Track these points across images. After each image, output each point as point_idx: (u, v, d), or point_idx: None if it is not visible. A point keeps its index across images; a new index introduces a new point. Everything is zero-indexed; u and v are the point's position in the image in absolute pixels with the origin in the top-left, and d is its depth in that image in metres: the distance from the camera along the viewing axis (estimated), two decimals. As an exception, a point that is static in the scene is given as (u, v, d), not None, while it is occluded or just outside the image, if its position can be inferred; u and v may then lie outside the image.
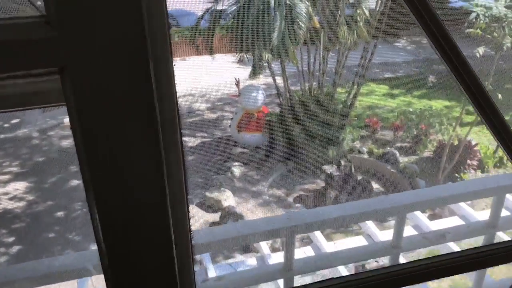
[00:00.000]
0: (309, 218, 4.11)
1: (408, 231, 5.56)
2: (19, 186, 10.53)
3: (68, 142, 12.50)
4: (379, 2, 10.78)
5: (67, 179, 10.75)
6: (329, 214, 4.10)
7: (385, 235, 6.35)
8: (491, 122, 1.29)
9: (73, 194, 10.16)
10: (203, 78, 16.88)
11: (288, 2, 10.16)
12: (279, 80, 11.99)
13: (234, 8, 11.23)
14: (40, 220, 9.40)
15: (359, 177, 10.46)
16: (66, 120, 13.63)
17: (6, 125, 13.58)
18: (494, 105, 1.28)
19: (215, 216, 9.42)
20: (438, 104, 12.10)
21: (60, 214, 9.60)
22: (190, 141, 12.41)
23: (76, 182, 10.66)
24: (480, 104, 1.27)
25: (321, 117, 11.27)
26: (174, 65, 0.72)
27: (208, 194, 9.85)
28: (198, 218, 9.41)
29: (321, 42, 11.05)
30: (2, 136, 12.86)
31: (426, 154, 10.80)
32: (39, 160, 11.68)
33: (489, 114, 1.29)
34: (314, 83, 11.71)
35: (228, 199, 9.72)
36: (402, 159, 10.80)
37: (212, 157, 11.64)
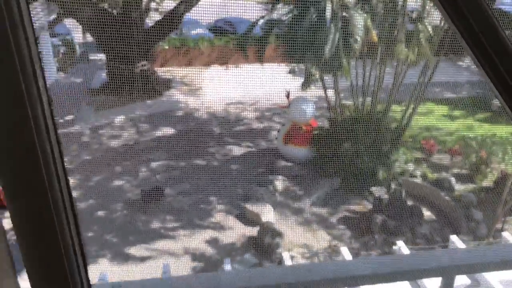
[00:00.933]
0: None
1: None
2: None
3: (117, 142, 12.70)
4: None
5: (111, 179, 10.86)
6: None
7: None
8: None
9: (115, 194, 10.24)
10: (254, 86, 16.71)
11: (344, 14, 9.74)
12: (330, 93, 11.56)
13: (288, 17, 10.94)
14: (80, 217, 9.51)
15: (409, 203, 9.79)
16: (117, 120, 13.87)
17: (60, 120, 14.04)
18: None
19: (253, 231, 9.12)
20: (502, 130, 11.17)
21: (100, 213, 9.66)
22: (236, 150, 12.22)
23: (119, 182, 10.75)
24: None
25: (373, 135, 10.71)
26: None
27: (247, 206, 9.58)
28: (236, 231, 9.14)
29: (378, 57, 10.52)
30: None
31: (486, 183, 9.96)
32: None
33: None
34: (367, 99, 11.17)
35: (268, 213, 9.39)
36: (458, 187, 10.02)
37: (256, 168, 11.36)
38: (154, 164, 11.53)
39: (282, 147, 11.53)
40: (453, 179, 10.09)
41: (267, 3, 12.45)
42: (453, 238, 7.80)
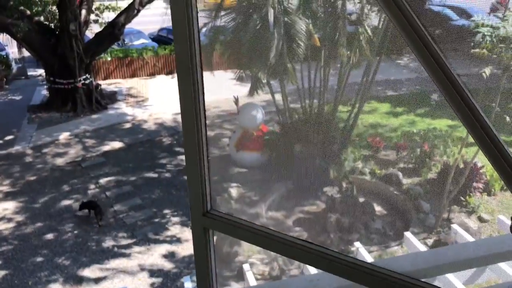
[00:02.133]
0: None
1: None
2: (8, 206, 10.19)
3: (62, 161, 12.19)
4: (382, 19, 10.52)
5: (59, 199, 10.41)
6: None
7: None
8: (484, 143, 1.24)
9: (64, 215, 9.82)
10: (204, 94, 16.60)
11: (286, 19, 9.91)
12: (278, 97, 11.70)
13: (232, 24, 10.98)
14: (28, 242, 9.03)
15: (361, 199, 10.07)
16: (62, 137, 13.33)
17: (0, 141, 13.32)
18: (488, 126, 1.23)
19: (211, 240, 9.03)
20: (442, 123, 11.76)
21: (49, 236, 9.23)
22: (187, 160, 12.08)
23: (67, 202, 10.32)
24: (473, 124, 1.25)
25: (322, 136, 10.94)
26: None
27: (203, 216, 9.47)
28: (190, 242, 9.01)
29: (322, 60, 10.77)
30: (-5, 153, 12.58)
31: (431, 176, 10.42)
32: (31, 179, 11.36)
33: (483, 135, 1.24)
34: (314, 101, 11.40)
35: (224, 222, 9.34)
36: (406, 181, 10.42)
37: (213, 175, 11.28)
38: (103, 180, 11.17)
39: (235, 154, 11.52)
40: (400, 174, 10.48)
41: (210, 10, 12.45)
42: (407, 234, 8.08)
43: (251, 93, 10.92)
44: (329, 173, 10.29)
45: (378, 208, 10.06)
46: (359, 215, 9.50)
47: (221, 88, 17.27)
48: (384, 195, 10.27)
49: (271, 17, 9.87)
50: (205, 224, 1.78)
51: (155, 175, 11.37)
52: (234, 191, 10.39)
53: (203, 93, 1.70)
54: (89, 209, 9.60)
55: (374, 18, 10.80)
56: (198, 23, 1.53)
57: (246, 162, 11.27)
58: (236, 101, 11.73)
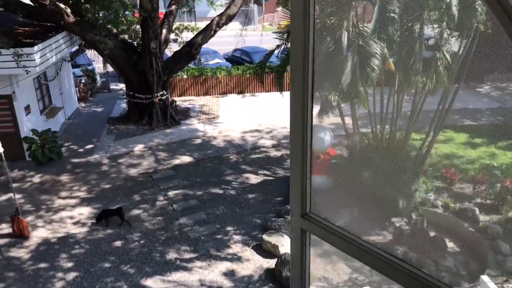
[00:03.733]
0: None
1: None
2: (84, 211, 10.80)
3: (135, 171, 12.77)
4: (463, 45, 10.02)
5: (129, 208, 10.87)
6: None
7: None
8: None
9: (133, 224, 10.22)
10: (271, 114, 16.76)
11: (361, 42, 9.74)
12: (348, 121, 11.47)
13: (306, 47, 10.98)
14: (98, 248, 9.49)
15: (432, 234, 9.49)
16: (136, 148, 13.98)
17: (81, 150, 14.24)
18: None
19: (271, 262, 8.94)
20: (527, 158, 10.88)
21: (118, 243, 9.63)
22: (253, 178, 12.16)
23: (137, 211, 10.74)
24: None
25: (392, 164, 10.53)
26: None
27: (265, 237, 9.42)
28: (254, 263, 8.97)
29: (396, 85, 10.44)
30: (76, 160, 13.45)
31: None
32: (106, 187, 11.99)
33: None
34: (386, 127, 11.04)
35: (286, 245, 9.22)
36: (483, 218, 9.69)
37: (273, 197, 11.25)
38: (171, 193, 11.53)
39: (300, 175, 11.40)
40: (476, 209, 9.78)
41: (283, 33, 12.59)
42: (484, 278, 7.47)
43: (321, 115, 10.81)
44: (398, 203, 9.84)
45: (450, 245, 9.42)
46: (429, 250, 8.95)
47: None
48: (458, 231, 9.62)
49: (345, 40, 9.78)
50: (303, 226, 1.84)
51: (221, 191, 11.55)
52: (297, 214, 10.24)
53: (312, 98, 1.85)
54: (106, 219, 10.13)
55: (453, 44, 10.32)
56: (314, 32, 1.72)
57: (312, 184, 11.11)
58: (305, 123, 11.65)
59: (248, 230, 10.04)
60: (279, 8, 35.38)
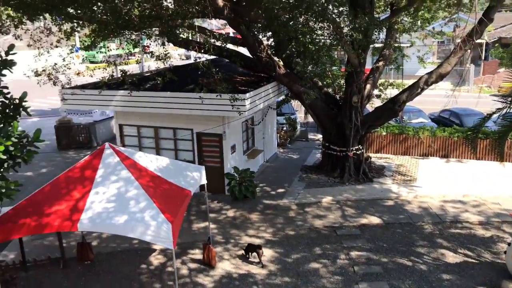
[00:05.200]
0: None
1: None
2: (266, 254, 10.94)
3: (320, 223, 12.52)
4: None
5: (309, 260, 10.58)
6: None
7: None
8: None
9: (309, 277, 9.85)
10: (481, 186, 14.63)
11: None
12: None
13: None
14: (274, 294, 9.36)
15: None
16: (325, 200, 13.79)
17: (273, 192, 14.80)
18: None
19: None
20: None
21: (293, 294, 9.35)
22: (450, 257, 10.55)
23: (316, 265, 10.36)
24: None
25: None
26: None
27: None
28: None
29: None
30: (267, 202, 13.98)
31: None
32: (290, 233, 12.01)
33: None
34: None
35: None
36: None
37: (476, 285, 9.45)
38: (354, 253, 10.82)
39: (513, 264, 9.40)
40: None
41: (506, 96, 10.97)
42: None
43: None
44: None
45: None
46: None
47: (507, 184, 14.85)
48: None
49: None
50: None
51: (409, 263, 10.31)
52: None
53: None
54: (250, 252, 10.60)
55: None
56: None
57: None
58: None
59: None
60: (502, 69, 31.85)
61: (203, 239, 11.37)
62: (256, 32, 15.51)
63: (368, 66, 16.49)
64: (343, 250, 11.03)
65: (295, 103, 21.41)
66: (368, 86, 15.76)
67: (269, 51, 15.18)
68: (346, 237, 11.70)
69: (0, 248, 11.09)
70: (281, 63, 15.71)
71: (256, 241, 11.47)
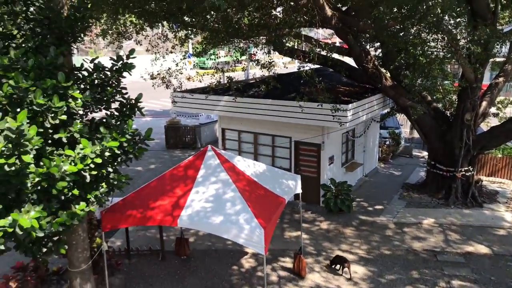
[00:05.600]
0: None
1: None
2: (358, 271, 10.55)
3: (420, 246, 11.76)
4: None
5: (404, 283, 9.97)
6: None
7: None
8: None
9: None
10: None
11: None
12: None
13: None
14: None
15: None
16: (426, 221, 12.94)
17: (370, 208, 14.25)
18: None
19: None
20: None
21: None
22: None
23: (412, 290, 9.73)
24: None
25: None
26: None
27: None
28: None
29: None
30: (363, 217, 13.49)
31: None
32: (385, 253, 11.45)
33: None
34: None
35: None
36: None
37: None
38: (456, 283, 9.97)
39: None
40: None
41: None
42: None
43: None
44: None
45: None
46: None
47: None
48: None
49: None
50: None
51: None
52: None
53: None
54: (337, 264, 10.49)
55: None
56: None
57: None
58: None
59: None
60: None
61: (295, 248, 11.31)
62: (363, 42, 15.14)
63: (486, 81, 15.18)
64: (444, 278, 10.21)
65: (401, 117, 20.47)
66: (484, 103, 14.49)
67: (376, 62, 14.71)
68: (447, 264, 10.83)
69: (109, 235, 12.13)
70: (388, 74, 15.12)
71: (349, 257, 11.12)
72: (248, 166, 9.79)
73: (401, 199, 14.97)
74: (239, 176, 9.15)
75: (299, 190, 10.37)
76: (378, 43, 14.75)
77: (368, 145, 17.34)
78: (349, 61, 15.83)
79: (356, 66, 15.43)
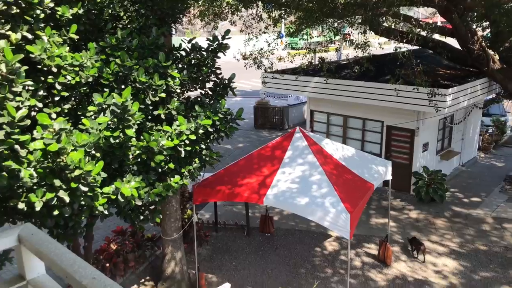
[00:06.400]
0: None
1: None
2: (449, 264, 10.03)
3: (521, 244, 10.83)
4: None
5: (501, 281, 9.28)
6: None
7: None
8: None
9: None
10: None
11: None
12: None
13: None
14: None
15: None
16: (530, 219, 11.84)
17: (465, 200, 13.37)
18: None
19: None
20: None
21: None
22: None
23: (509, 291, 9.04)
24: None
25: None
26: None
27: None
28: None
29: None
30: (457, 209, 12.71)
31: None
32: (481, 249, 10.71)
33: None
34: None
35: None
36: None
37: None
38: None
39: None
40: None
41: None
42: None
43: None
44: None
45: None
46: None
47: None
48: None
49: None
50: None
51: None
52: None
53: None
54: (413, 245, 10.30)
55: None
56: None
57: None
58: None
59: None
60: None
61: (381, 235, 11.03)
62: (470, 22, 13.96)
63: None
64: (548, 282, 9.34)
65: (508, 104, 18.73)
66: None
67: (483, 43, 13.53)
68: (553, 268, 9.87)
69: (199, 208, 12.78)
70: (497, 57, 13.84)
71: (439, 249, 10.59)
72: (337, 150, 9.65)
73: (502, 193, 13.82)
74: (327, 159, 9.07)
75: (389, 177, 10.03)
76: (487, 22, 13.51)
77: (467, 132, 16.15)
78: (452, 42, 14.72)
79: (460, 48, 14.32)
